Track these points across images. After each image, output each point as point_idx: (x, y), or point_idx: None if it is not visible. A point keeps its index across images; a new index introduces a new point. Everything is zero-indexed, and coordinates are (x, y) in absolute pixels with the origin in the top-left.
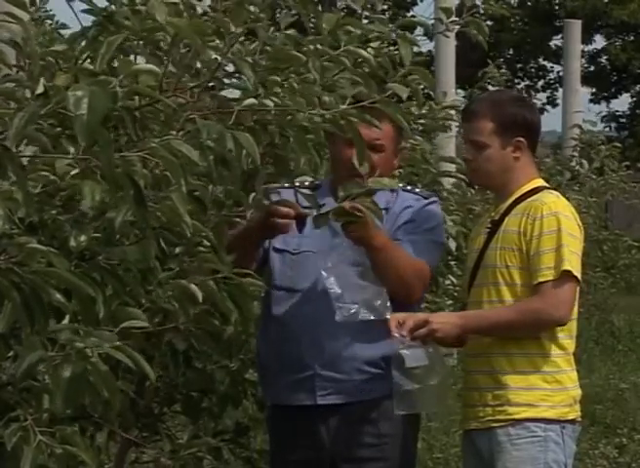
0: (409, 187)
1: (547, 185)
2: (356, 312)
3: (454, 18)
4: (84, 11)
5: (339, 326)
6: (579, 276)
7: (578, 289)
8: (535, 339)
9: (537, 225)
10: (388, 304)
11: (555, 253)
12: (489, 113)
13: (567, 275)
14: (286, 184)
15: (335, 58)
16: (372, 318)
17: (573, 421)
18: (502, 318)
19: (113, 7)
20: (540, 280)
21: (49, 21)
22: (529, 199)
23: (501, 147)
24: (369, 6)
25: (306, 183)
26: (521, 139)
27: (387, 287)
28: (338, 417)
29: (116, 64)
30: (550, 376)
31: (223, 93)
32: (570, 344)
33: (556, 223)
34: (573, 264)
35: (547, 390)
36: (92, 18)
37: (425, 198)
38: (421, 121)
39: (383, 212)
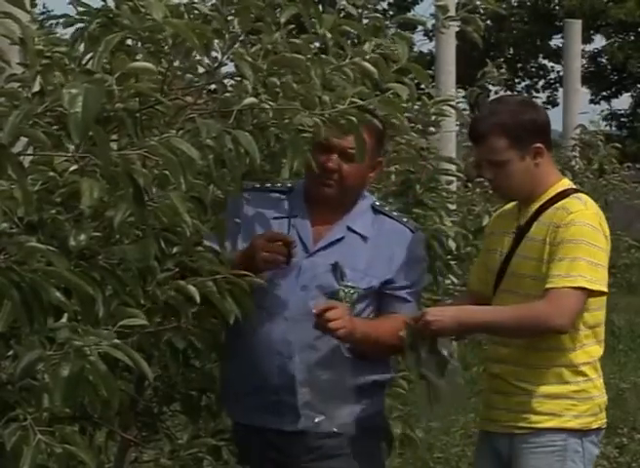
0: (387, 208)
1: (574, 187)
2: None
3: (452, 15)
4: (81, 13)
5: (310, 353)
6: (602, 288)
7: (600, 299)
8: (562, 351)
9: (559, 233)
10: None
11: (570, 262)
12: (498, 129)
13: (578, 288)
14: (257, 185)
15: (339, 68)
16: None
17: (597, 429)
18: (500, 317)
19: (112, 6)
20: (549, 286)
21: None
22: (556, 205)
23: (521, 159)
24: (369, 6)
25: (278, 185)
26: (538, 145)
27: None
28: (303, 442)
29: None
30: (577, 386)
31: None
32: (597, 350)
33: (579, 234)
34: (594, 278)
35: (574, 400)
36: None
37: (411, 231)
38: (409, 115)
39: (360, 239)
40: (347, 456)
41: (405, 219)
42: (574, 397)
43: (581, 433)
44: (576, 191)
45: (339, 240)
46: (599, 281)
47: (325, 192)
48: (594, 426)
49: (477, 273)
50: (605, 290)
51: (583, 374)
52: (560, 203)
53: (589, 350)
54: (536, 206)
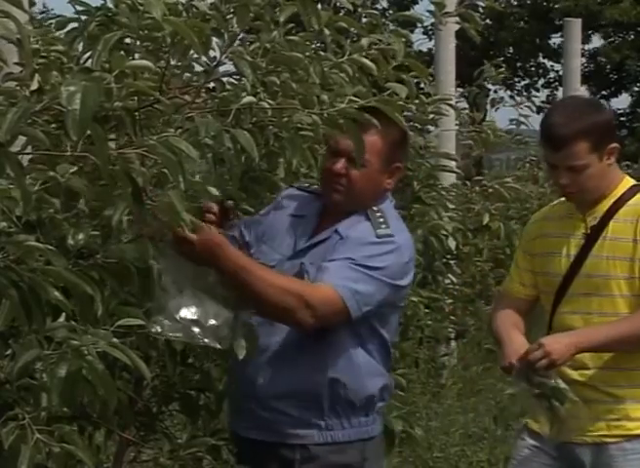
0: (375, 208)
1: (637, 183)
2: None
3: (449, 11)
4: (80, 12)
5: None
6: None
7: None
8: None
9: None
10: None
11: None
12: (581, 135)
13: None
14: (305, 185)
15: (338, 65)
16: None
17: None
18: (617, 333)
19: (111, 6)
20: None
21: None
22: (630, 202)
23: (599, 161)
24: (368, 3)
25: (315, 187)
26: (614, 145)
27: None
28: (259, 453)
29: None
30: None
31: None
32: None
33: None
34: None
35: None
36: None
37: (378, 237)
38: (407, 113)
39: (339, 239)
40: None
41: (383, 226)
42: None
43: None
44: None
45: (321, 241)
46: None
47: (334, 198)
48: None
49: (521, 279)
50: None
51: None
52: (635, 198)
53: None
54: (606, 205)
